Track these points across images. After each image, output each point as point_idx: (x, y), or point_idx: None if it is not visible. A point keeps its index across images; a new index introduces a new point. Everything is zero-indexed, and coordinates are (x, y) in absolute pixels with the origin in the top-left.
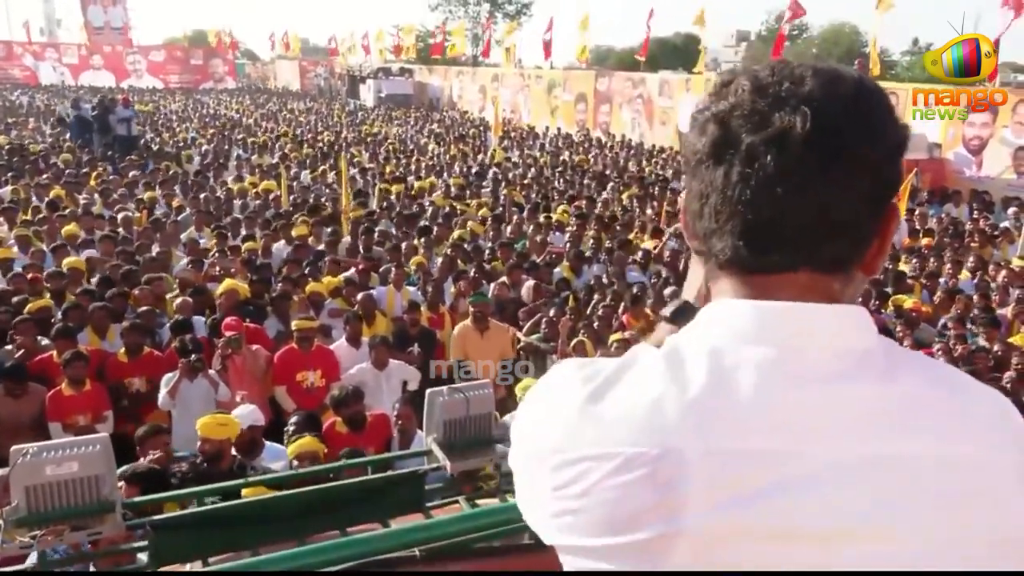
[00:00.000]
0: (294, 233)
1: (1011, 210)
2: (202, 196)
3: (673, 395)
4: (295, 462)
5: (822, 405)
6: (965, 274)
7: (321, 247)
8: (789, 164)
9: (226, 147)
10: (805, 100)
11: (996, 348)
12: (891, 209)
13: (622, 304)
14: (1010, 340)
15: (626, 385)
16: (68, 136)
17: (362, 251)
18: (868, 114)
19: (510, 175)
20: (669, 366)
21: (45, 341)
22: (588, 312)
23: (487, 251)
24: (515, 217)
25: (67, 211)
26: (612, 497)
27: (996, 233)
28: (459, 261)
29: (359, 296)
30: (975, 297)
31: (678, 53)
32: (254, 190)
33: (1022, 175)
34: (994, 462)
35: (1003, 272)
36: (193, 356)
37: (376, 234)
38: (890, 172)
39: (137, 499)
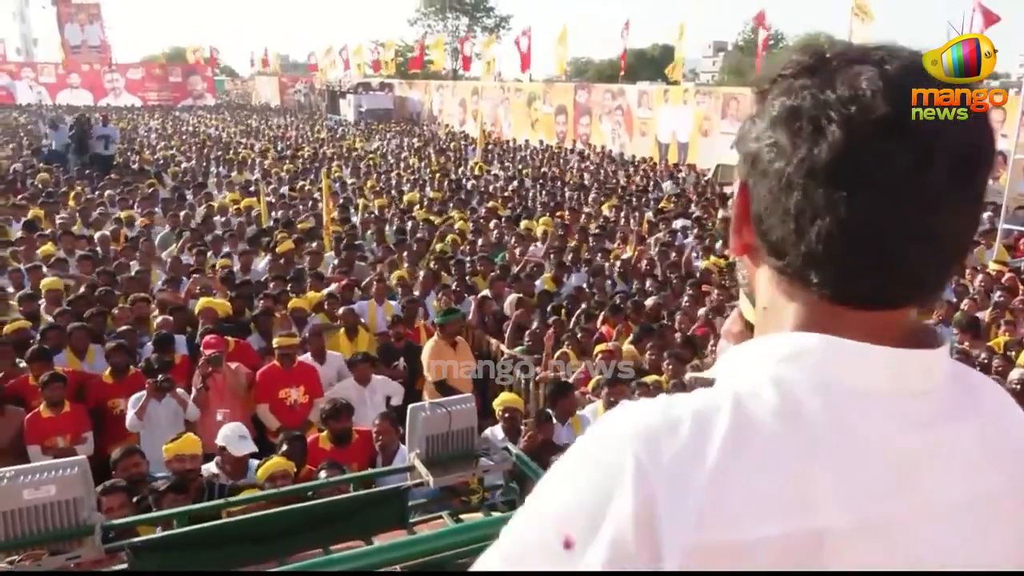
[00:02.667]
0: (278, 249)
1: (986, 215)
2: (182, 214)
3: (809, 464)
4: (267, 484)
5: (924, 450)
6: None
7: (302, 264)
8: (930, 192)
9: (204, 164)
10: (950, 118)
11: (978, 353)
12: None
13: (602, 314)
14: (989, 343)
15: (751, 452)
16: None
17: (344, 266)
18: (992, 133)
19: (491, 188)
20: (789, 426)
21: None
22: (571, 323)
23: (468, 264)
24: (494, 230)
25: (48, 231)
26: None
27: (976, 239)
28: (442, 274)
29: (341, 310)
30: (965, 303)
31: (656, 64)
32: (235, 207)
33: (997, 180)
34: None
35: (980, 276)
36: (160, 376)
37: (357, 249)
38: None
39: (116, 521)
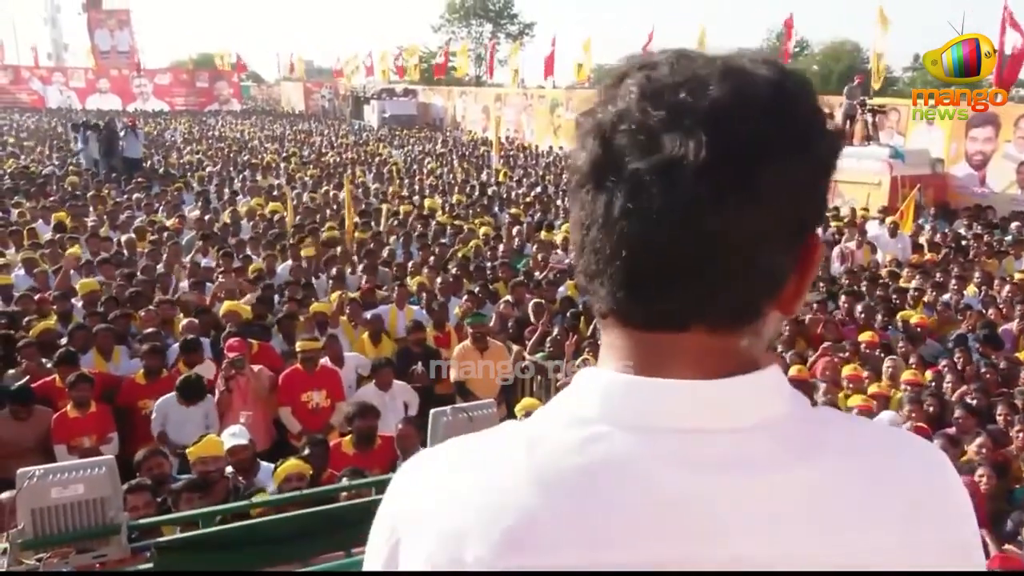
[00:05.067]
0: (303, 253)
1: (1014, 225)
2: (207, 217)
3: (551, 506)
4: (282, 486)
5: (718, 499)
6: (972, 289)
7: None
8: (679, 199)
9: (229, 169)
10: (706, 116)
11: (1003, 364)
12: (812, 239)
13: None
14: (1018, 355)
15: (477, 482)
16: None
17: (367, 271)
18: (786, 127)
19: (512, 194)
20: (539, 468)
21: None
22: (590, 330)
23: (489, 270)
24: (516, 236)
25: (73, 233)
26: None
27: (1004, 249)
28: (464, 280)
29: (367, 316)
30: (990, 312)
31: None
32: (260, 211)
33: None
34: (911, 553)
35: (1007, 286)
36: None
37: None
38: (812, 195)
39: (142, 520)
